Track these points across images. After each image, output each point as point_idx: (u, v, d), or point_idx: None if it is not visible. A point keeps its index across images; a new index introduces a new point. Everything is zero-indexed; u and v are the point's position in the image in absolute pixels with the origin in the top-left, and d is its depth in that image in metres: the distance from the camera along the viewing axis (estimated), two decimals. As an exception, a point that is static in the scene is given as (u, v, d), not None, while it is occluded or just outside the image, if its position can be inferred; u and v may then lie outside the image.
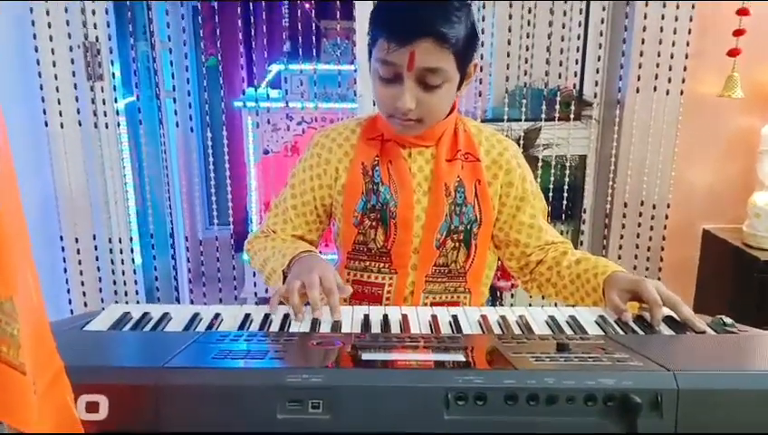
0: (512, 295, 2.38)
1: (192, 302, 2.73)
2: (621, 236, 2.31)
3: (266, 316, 1.01)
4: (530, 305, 2.41)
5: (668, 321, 1.02)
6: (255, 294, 3.26)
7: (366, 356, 0.75)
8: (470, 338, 0.87)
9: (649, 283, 1.05)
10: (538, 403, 0.68)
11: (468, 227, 1.24)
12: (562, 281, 1.24)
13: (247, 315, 1.01)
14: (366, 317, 1.01)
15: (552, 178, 2.24)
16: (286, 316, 1.01)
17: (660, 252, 2.32)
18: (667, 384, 0.69)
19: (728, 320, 1.02)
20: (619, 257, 2.32)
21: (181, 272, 2.83)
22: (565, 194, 2.22)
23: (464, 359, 0.74)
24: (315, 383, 0.67)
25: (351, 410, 0.67)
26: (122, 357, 0.73)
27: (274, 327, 0.97)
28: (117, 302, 2.26)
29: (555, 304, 2.28)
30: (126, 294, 2.29)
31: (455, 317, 1.02)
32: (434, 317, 1.02)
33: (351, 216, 1.24)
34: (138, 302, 2.31)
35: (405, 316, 1.02)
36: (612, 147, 2.25)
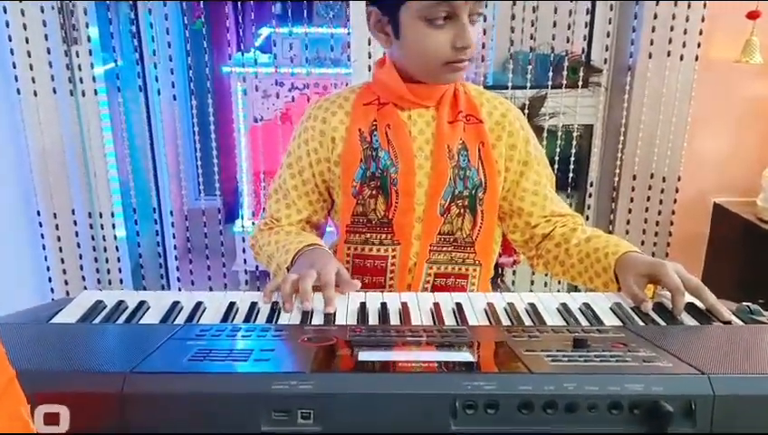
0: (513, 272, 2.32)
1: (179, 280, 2.67)
2: (629, 211, 2.25)
3: (253, 305, 0.94)
4: (532, 283, 2.38)
5: (689, 308, 0.96)
6: (245, 263, 3.19)
7: (363, 356, 0.68)
8: (477, 331, 0.81)
9: (670, 266, 0.98)
10: (556, 411, 0.61)
11: (473, 192, 1.18)
12: (570, 260, 1.18)
13: (231, 305, 0.94)
14: (362, 306, 0.95)
15: (558, 150, 2.16)
16: (275, 306, 0.94)
17: (669, 226, 2.26)
18: (701, 389, 0.62)
19: (754, 306, 0.96)
20: (627, 233, 2.26)
21: (168, 246, 2.76)
22: (571, 166, 2.14)
23: (472, 359, 0.68)
24: (305, 391, 0.60)
25: (346, 421, 0.60)
26: (87, 359, 0.66)
27: (262, 318, 0.91)
28: (99, 281, 2.19)
29: (559, 282, 2.23)
30: (109, 272, 2.22)
31: (458, 305, 0.96)
32: (436, 306, 0.95)
33: (350, 186, 1.18)
34: (121, 280, 2.25)
35: (405, 305, 0.95)
36: (622, 115, 2.16)
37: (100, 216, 2.17)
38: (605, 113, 2.30)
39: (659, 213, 2.25)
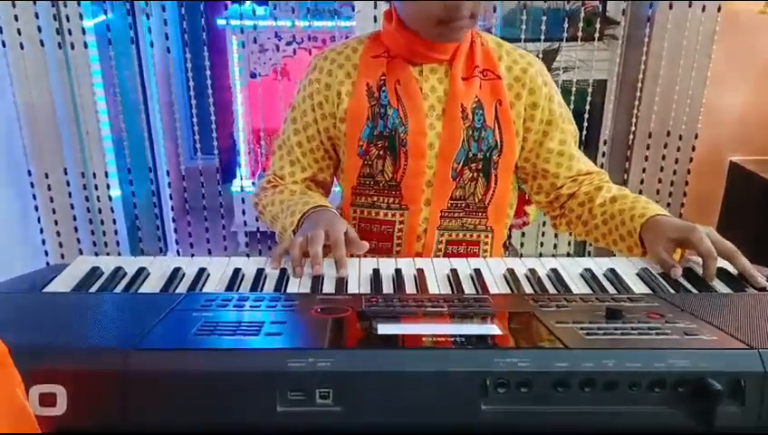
0: (522, 234, 2.28)
1: (177, 242, 2.62)
2: (644, 170, 2.19)
3: (259, 272, 0.90)
4: (541, 245, 2.34)
5: (720, 274, 0.92)
6: (245, 225, 3.14)
7: (382, 329, 0.63)
8: (500, 300, 0.76)
9: (701, 230, 0.94)
10: (594, 389, 0.57)
11: (488, 154, 1.12)
12: (594, 220, 1.13)
13: (237, 271, 0.90)
14: (376, 273, 0.90)
15: (573, 106, 2.09)
16: (283, 272, 0.90)
17: (684, 186, 2.21)
18: (750, 366, 0.58)
19: (787, 270, 0.92)
20: (640, 192, 2.21)
21: (164, 207, 2.71)
22: (585, 123, 2.08)
23: (500, 332, 0.63)
24: (323, 369, 0.56)
25: (367, 401, 0.56)
26: (85, 334, 0.61)
27: (269, 286, 0.86)
28: (95, 243, 2.15)
29: (568, 244, 2.18)
30: (104, 234, 2.17)
31: (477, 272, 0.91)
32: (453, 272, 0.91)
33: (356, 145, 1.12)
34: (117, 242, 2.20)
35: (420, 271, 0.91)
36: (639, 70, 2.09)
37: (94, 175, 2.11)
38: (620, 68, 2.23)
39: (674, 172, 2.20)
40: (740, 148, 2.27)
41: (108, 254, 2.19)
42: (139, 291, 0.83)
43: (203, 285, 0.86)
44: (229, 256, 2.20)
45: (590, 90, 2.10)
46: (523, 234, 2.29)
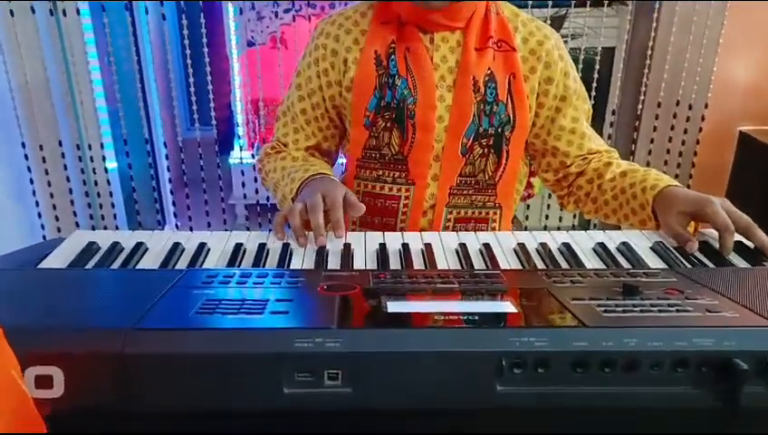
0: (527, 207, 2.26)
1: (176, 215, 2.60)
2: (652, 141, 2.16)
3: (261, 247, 0.87)
4: (546, 218, 2.32)
5: (737, 247, 0.90)
6: (245, 198, 3.11)
7: (392, 307, 0.61)
8: (512, 276, 0.74)
9: (717, 202, 0.91)
10: (615, 370, 0.55)
11: (499, 130, 1.08)
12: (604, 196, 1.11)
13: (238, 246, 0.87)
14: (382, 247, 0.88)
15: (580, 75, 2.04)
16: (286, 247, 0.88)
17: (693, 157, 2.18)
18: (777, 344, 0.56)
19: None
20: (648, 164, 2.18)
21: (162, 179, 2.67)
22: (593, 93, 2.04)
23: (515, 310, 0.61)
24: (332, 349, 0.53)
25: (378, 382, 0.54)
26: (81, 313, 0.59)
27: (272, 261, 0.84)
28: (92, 216, 2.12)
29: (574, 216, 2.15)
30: (101, 207, 2.14)
31: (486, 246, 0.89)
32: (462, 247, 0.89)
33: (362, 115, 1.09)
34: (115, 215, 2.17)
35: (428, 246, 0.88)
36: (649, 37, 2.04)
37: (89, 147, 2.07)
38: (629, 36, 2.17)
39: (683, 143, 2.16)
40: (750, 118, 2.23)
41: (105, 227, 2.16)
42: (137, 267, 0.81)
43: (203, 260, 0.84)
44: (228, 229, 2.18)
45: (598, 58, 2.05)
46: (528, 206, 2.27)
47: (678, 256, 0.88)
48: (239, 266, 0.82)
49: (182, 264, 0.83)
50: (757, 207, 2.12)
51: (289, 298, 0.64)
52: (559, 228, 2.38)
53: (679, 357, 0.55)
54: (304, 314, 0.60)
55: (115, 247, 0.86)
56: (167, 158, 2.41)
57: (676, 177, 2.20)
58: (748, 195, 2.22)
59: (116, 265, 0.81)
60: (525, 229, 2.26)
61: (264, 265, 0.83)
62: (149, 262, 0.83)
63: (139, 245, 0.87)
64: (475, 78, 1.06)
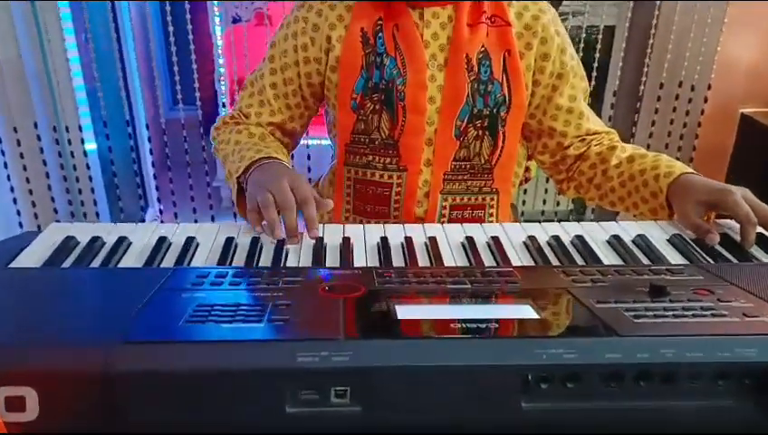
0: (524, 191, 2.21)
1: (159, 200, 2.53)
2: (653, 123, 2.12)
3: (254, 241, 0.82)
4: (543, 203, 2.28)
5: (758, 240, 0.86)
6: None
7: (402, 312, 0.56)
8: (526, 274, 0.69)
9: (737, 192, 0.87)
10: (651, 383, 0.51)
11: (495, 110, 1.03)
12: (610, 183, 1.06)
13: (229, 241, 0.82)
14: (383, 242, 0.83)
15: (581, 54, 1.99)
16: (280, 242, 0.82)
17: (694, 140, 2.14)
18: (826, 354, 0.52)
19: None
20: (648, 147, 2.14)
21: (144, 161, 2.60)
22: (594, 73, 1.99)
23: (537, 316, 0.56)
24: (340, 364, 0.48)
25: (390, 399, 0.50)
26: (58, 324, 0.53)
27: (266, 258, 0.79)
28: (70, 202, 2.05)
29: (573, 200, 2.10)
30: (80, 192, 2.07)
31: (495, 239, 0.84)
32: (469, 240, 0.84)
33: (349, 98, 1.03)
34: (95, 201, 2.10)
35: (433, 240, 0.83)
36: (652, 16, 1.99)
37: (67, 130, 1.99)
38: (630, 14, 2.12)
39: (685, 125, 2.12)
40: (752, 99, 2.19)
41: (84, 214, 2.09)
42: (119, 265, 0.75)
43: (192, 257, 0.78)
44: (214, 213, 2.10)
45: (599, 37, 2.00)
46: (525, 191, 2.22)
47: (698, 249, 0.84)
48: (231, 264, 0.77)
49: (169, 261, 0.77)
50: (758, 191, 2.11)
51: (288, 302, 0.58)
52: (556, 213, 2.35)
53: (721, 369, 0.51)
54: (307, 321, 0.55)
55: (95, 243, 0.80)
56: (149, 140, 2.33)
57: (677, 159, 2.16)
58: (749, 178, 2.20)
59: (96, 263, 0.75)
60: (522, 215, 2.23)
61: (257, 263, 0.77)
62: (133, 259, 0.78)
63: (121, 239, 0.81)
64: (469, 56, 1.01)
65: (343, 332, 0.52)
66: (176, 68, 2.11)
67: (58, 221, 2.00)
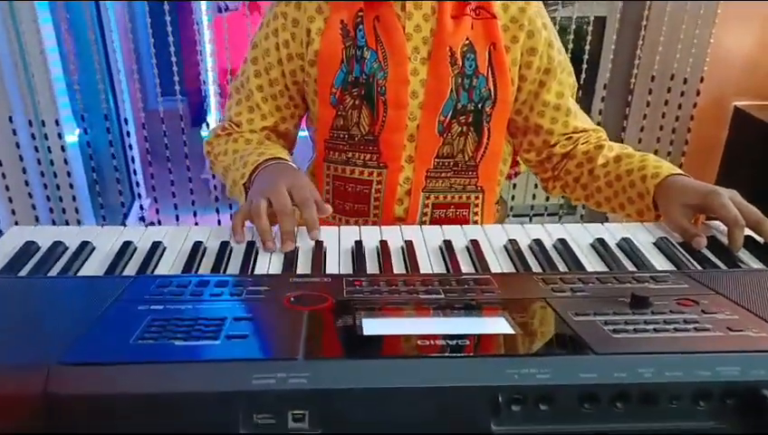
0: (513, 186, 2.19)
1: (140, 196, 2.49)
2: (644, 116, 2.09)
3: (224, 246, 0.79)
4: (533, 198, 2.26)
5: (746, 243, 0.83)
6: (214, 176, 3.00)
7: (368, 326, 0.54)
8: (504, 281, 0.67)
9: (725, 195, 0.85)
10: (628, 404, 0.48)
11: (479, 105, 1.01)
12: (596, 183, 1.04)
13: (197, 246, 0.79)
14: (358, 246, 0.80)
15: (571, 46, 1.96)
16: (251, 246, 0.79)
17: (686, 134, 2.12)
18: (811, 372, 0.49)
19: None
20: (639, 142, 2.12)
21: (126, 155, 2.55)
22: (584, 65, 1.96)
23: (511, 330, 0.54)
24: (297, 386, 0.46)
25: (352, 424, 0.47)
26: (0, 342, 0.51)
27: (235, 265, 0.76)
28: (49, 198, 2.01)
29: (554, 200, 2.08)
30: (58, 188, 2.03)
31: (474, 243, 0.82)
32: (447, 244, 0.81)
33: (328, 92, 1.00)
34: (74, 197, 2.06)
35: (409, 244, 0.81)
36: (644, 7, 1.95)
37: (43, 124, 1.95)
38: (622, 4, 2.09)
39: (677, 118, 2.10)
40: (745, 93, 2.17)
41: (64, 210, 2.05)
42: (79, 273, 0.72)
43: (156, 263, 0.75)
44: (200, 207, 2.06)
45: (589, 28, 1.97)
46: (515, 185, 2.20)
47: (685, 253, 0.82)
48: (196, 271, 0.74)
49: (132, 268, 0.74)
50: (751, 185, 2.09)
51: (249, 315, 0.56)
52: (546, 208, 2.33)
53: (701, 389, 0.49)
54: (266, 337, 0.52)
55: (57, 248, 0.77)
56: (128, 135, 2.28)
57: (668, 154, 2.15)
58: (742, 172, 2.19)
59: (55, 270, 0.72)
60: (511, 209, 2.20)
61: (225, 270, 0.75)
62: (95, 266, 0.75)
63: (84, 244, 0.78)
64: (452, 49, 0.98)
65: (303, 351, 0.49)
66: (159, 59, 2.07)
67: (37, 218, 1.98)
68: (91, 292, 0.63)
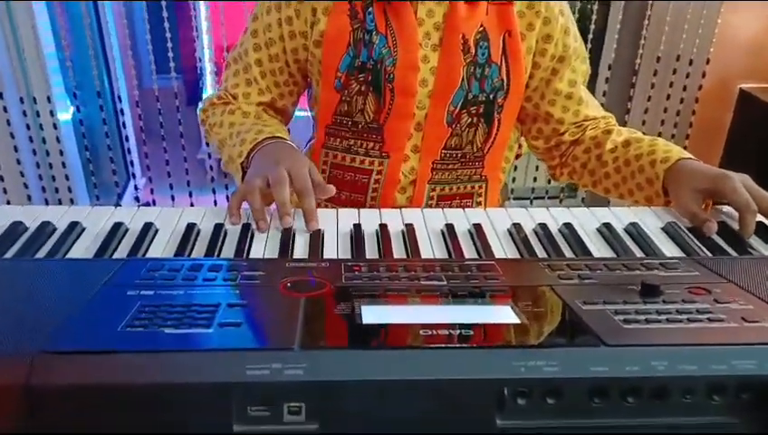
0: (515, 168, 2.16)
1: (134, 176, 2.46)
2: (649, 98, 2.06)
3: (218, 228, 0.77)
4: (534, 180, 2.23)
5: (757, 229, 0.81)
6: (209, 156, 2.97)
7: (368, 315, 0.52)
8: (509, 267, 0.64)
9: (736, 179, 0.83)
10: (640, 399, 0.46)
11: (491, 96, 0.97)
12: (604, 168, 1.01)
13: (190, 227, 0.76)
14: (357, 229, 0.78)
15: (577, 26, 1.92)
16: (246, 228, 0.77)
17: (691, 116, 2.09)
18: (831, 366, 0.47)
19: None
20: (643, 123, 2.09)
21: (121, 133, 2.52)
22: (589, 45, 1.92)
23: (517, 320, 0.52)
24: (293, 378, 0.44)
25: (350, 417, 0.45)
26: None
27: (230, 248, 0.74)
28: (41, 177, 1.98)
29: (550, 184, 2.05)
30: (51, 167, 2.00)
31: (477, 227, 0.79)
32: (449, 228, 0.79)
33: (333, 76, 0.97)
34: (67, 176, 2.03)
35: (410, 227, 0.78)
36: (651, -14, 1.92)
37: (35, 101, 1.91)
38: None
39: (681, 100, 2.07)
40: (750, 75, 2.14)
41: (56, 189, 2.02)
42: (68, 255, 0.70)
43: (148, 245, 0.73)
44: (196, 187, 2.04)
45: (594, 7, 1.93)
46: (516, 167, 2.17)
47: (694, 239, 0.80)
48: (189, 255, 0.72)
49: (123, 250, 0.72)
50: (756, 168, 2.06)
51: (243, 302, 0.54)
52: (547, 191, 2.30)
53: (716, 383, 0.47)
54: (260, 325, 0.50)
55: (45, 229, 0.75)
56: (121, 113, 2.24)
57: (672, 136, 2.12)
58: (747, 155, 2.17)
59: (42, 252, 0.70)
60: (512, 192, 2.18)
61: (219, 253, 0.72)
62: (84, 247, 0.72)
63: (73, 225, 0.76)
64: (465, 36, 0.94)
65: (299, 340, 0.47)
66: (155, 35, 2.03)
67: (29, 198, 1.95)
68: (79, 275, 0.60)
